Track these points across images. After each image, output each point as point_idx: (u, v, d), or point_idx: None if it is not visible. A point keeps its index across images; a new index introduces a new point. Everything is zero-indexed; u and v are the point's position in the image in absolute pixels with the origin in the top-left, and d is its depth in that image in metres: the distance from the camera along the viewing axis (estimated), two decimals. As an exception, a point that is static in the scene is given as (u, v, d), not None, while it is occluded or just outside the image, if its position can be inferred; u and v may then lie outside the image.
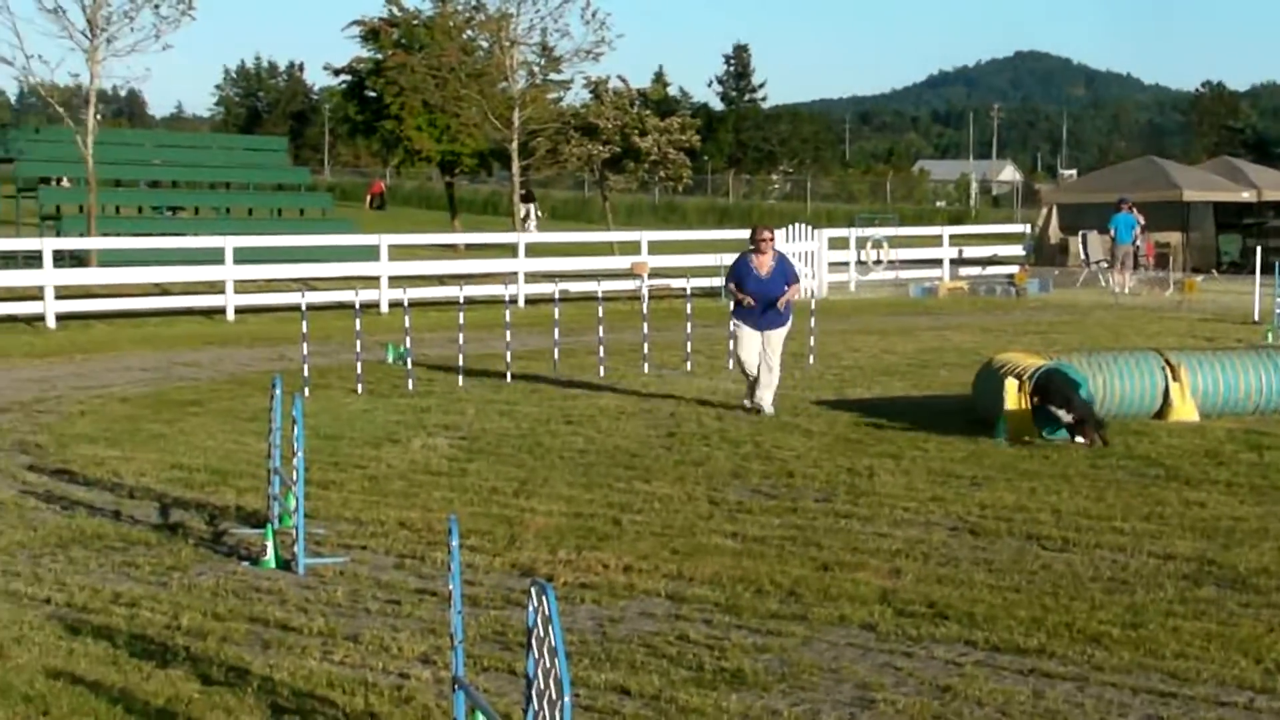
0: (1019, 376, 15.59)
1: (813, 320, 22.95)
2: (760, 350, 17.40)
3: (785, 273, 17.64)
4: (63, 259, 31.79)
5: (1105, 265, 39.29)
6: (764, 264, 17.50)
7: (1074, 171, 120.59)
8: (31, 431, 16.17)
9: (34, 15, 33.81)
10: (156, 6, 34.48)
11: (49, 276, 28.66)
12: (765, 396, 17.52)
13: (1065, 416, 15.05)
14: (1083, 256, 41.27)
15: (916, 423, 16.46)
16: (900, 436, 15.71)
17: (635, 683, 7.97)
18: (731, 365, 20.09)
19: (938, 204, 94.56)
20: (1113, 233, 37.83)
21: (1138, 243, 38.09)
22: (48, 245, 29.77)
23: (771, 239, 17.78)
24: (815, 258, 37.58)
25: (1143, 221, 37.83)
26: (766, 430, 16.15)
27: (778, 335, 17.58)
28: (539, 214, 62.29)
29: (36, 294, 28.61)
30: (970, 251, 43.53)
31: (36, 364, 22.50)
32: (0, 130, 42.38)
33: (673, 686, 7.93)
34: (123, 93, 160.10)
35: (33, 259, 30.85)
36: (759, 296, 17.37)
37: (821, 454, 14.75)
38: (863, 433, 16.02)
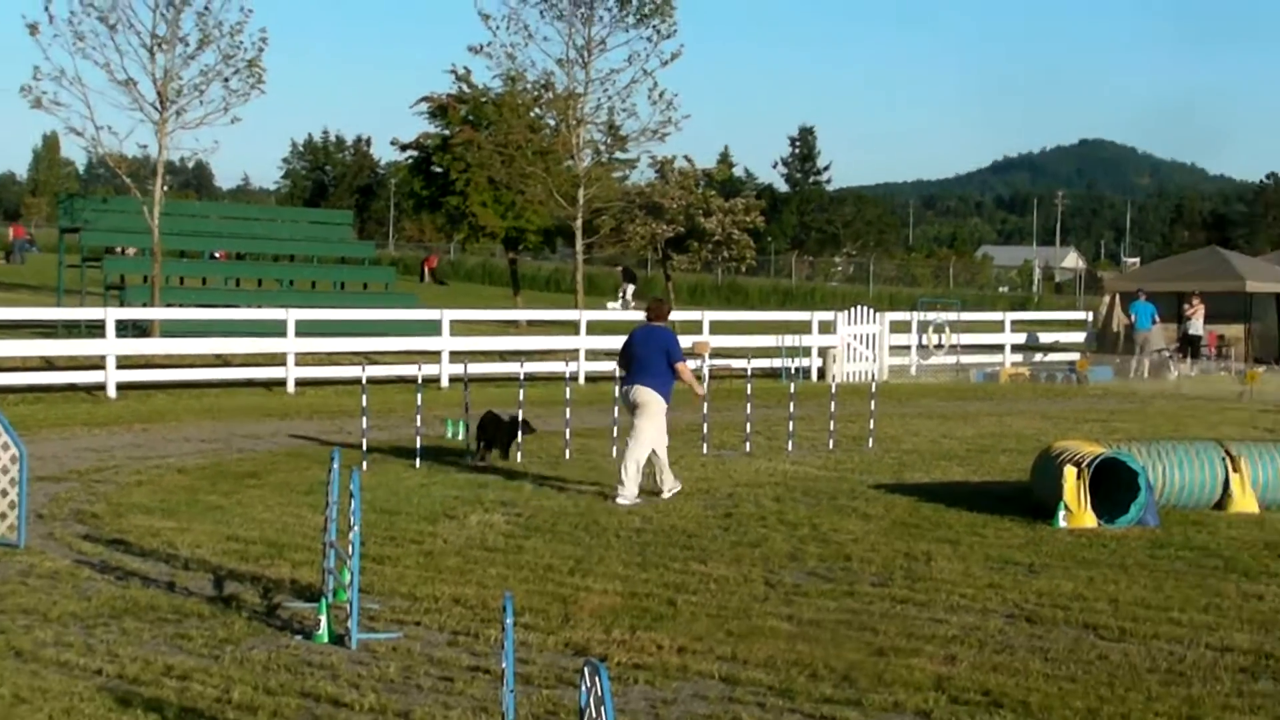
0: (1078, 464, 15.50)
1: (873, 403, 22.88)
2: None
3: None
4: (125, 329, 32.02)
5: (1167, 354, 39.35)
6: None
7: (1137, 260, 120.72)
8: (88, 501, 16.25)
9: (105, 87, 34.19)
10: (226, 80, 34.75)
11: (111, 346, 28.76)
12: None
13: None
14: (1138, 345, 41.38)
15: (975, 508, 16.38)
16: (958, 522, 15.63)
17: (686, 766, 7.92)
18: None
19: (1000, 289, 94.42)
20: (1132, 319, 39.81)
21: (1196, 333, 39.04)
22: (111, 314, 29.98)
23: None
24: (877, 341, 37.56)
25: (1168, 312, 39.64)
26: (824, 514, 16.08)
27: None
28: (633, 296, 61.68)
29: (98, 363, 28.69)
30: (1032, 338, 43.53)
31: (96, 433, 22.64)
32: (68, 200, 42.65)
33: (723, 771, 7.87)
34: (190, 164, 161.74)
35: (95, 328, 31.09)
36: None
37: (879, 538, 14.67)
38: (921, 517, 15.93)
